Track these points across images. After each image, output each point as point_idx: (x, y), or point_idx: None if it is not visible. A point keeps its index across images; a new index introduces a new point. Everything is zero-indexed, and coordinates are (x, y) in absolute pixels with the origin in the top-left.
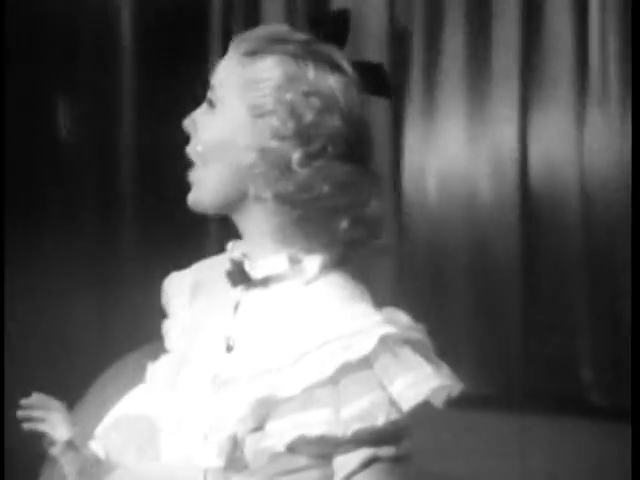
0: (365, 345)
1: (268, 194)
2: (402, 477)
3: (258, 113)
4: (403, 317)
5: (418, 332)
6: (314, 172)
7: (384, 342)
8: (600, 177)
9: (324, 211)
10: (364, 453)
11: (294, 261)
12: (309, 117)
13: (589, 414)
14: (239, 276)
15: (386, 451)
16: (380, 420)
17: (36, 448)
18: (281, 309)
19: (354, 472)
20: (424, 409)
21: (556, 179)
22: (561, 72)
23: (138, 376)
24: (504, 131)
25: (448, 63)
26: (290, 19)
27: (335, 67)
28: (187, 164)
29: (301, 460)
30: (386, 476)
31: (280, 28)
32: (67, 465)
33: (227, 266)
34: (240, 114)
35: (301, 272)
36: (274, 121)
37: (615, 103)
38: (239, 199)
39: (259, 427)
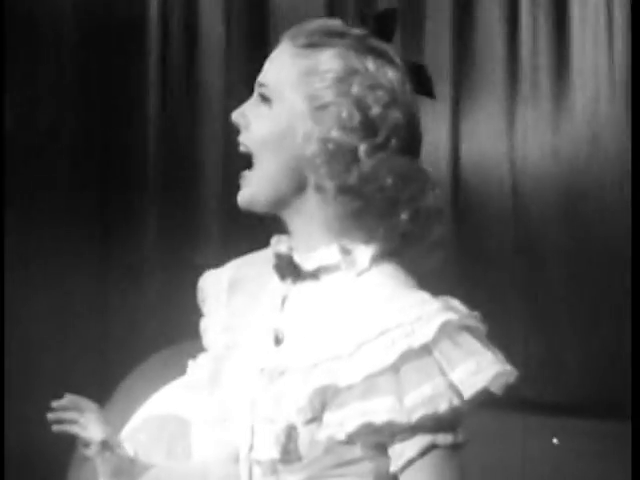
0: (426, 332)
1: (331, 185)
2: (457, 464)
3: (319, 104)
4: (458, 305)
5: (475, 319)
6: (379, 164)
7: (444, 329)
8: (531, 172)
9: (385, 203)
10: (423, 440)
11: (345, 252)
12: (376, 110)
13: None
14: (288, 269)
15: (444, 438)
16: (442, 407)
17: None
18: (334, 300)
19: (413, 459)
20: (483, 396)
21: (487, 175)
22: (492, 68)
23: (165, 376)
24: (436, 128)
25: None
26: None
27: (391, 62)
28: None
29: (356, 451)
30: (444, 463)
31: (335, 22)
32: (102, 465)
33: (271, 261)
34: (298, 105)
35: (353, 263)
36: (339, 112)
37: (545, 98)
38: (296, 191)
39: (316, 417)
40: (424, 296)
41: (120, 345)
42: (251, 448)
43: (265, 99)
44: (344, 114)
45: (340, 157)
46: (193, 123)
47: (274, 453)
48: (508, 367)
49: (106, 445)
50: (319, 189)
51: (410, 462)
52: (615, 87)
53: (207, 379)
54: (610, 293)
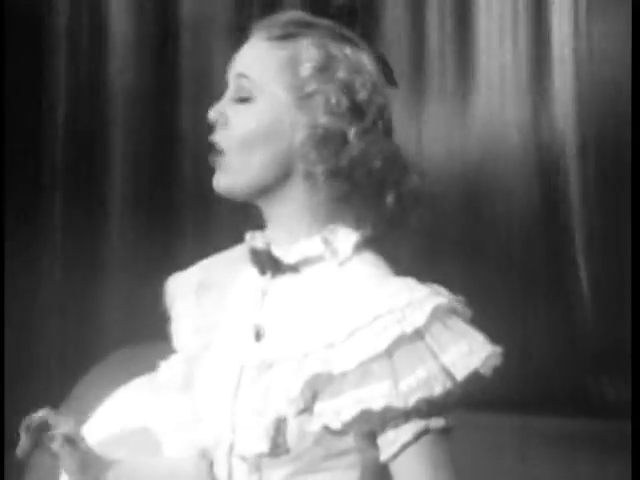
0: (418, 317)
1: (320, 169)
2: (449, 448)
3: (303, 93)
4: (443, 290)
5: (461, 303)
6: (368, 146)
7: (435, 313)
8: (437, 168)
9: (373, 186)
10: (416, 426)
11: (328, 243)
12: (363, 94)
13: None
14: (268, 263)
15: (436, 423)
16: (437, 390)
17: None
18: (319, 291)
19: (407, 444)
20: (476, 379)
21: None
22: (399, 63)
23: (124, 374)
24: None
25: None
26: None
27: (363, 49)
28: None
29: (345, 442)
30: (436, 447)
31: (302, 14)
32: (66, 460)
33: (241, 260)
34: (281, 95)
35: (335, 253)
36: (326, 99)
37: (451, 94)
38: (282, 180)
39: (307, 408)
40: (410, 282)
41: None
42: (232, 446)
43: (245, 94)
44: (332, 100)
45: (329, 142)
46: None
47: (263, 447)
48: (497, 349)
49: (70, 439)
50: (307, 176)
51: (404, 447)
52: (521, 85)
53: (179, 381)
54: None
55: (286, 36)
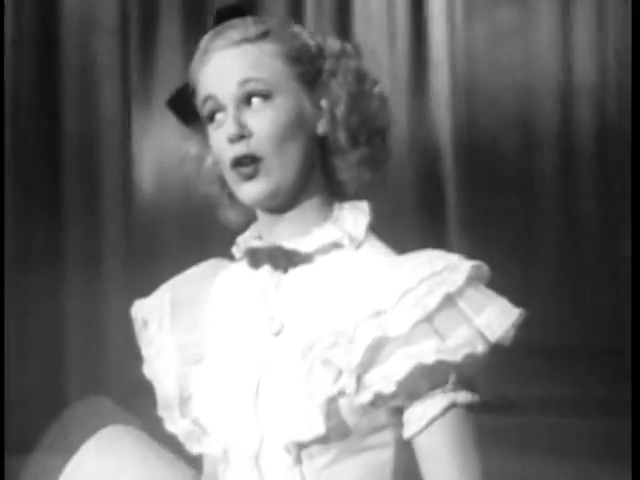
0: (457, 277)
1: (364, 132)
2: (474, 423)
3: (310, 77)
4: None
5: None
6: (382, 102)
7: (470, 274)
8: None
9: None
10: (445, 399)
11: (342, 229)
12: (357, 61)
13: None
14: (282, 257)
15: (464, 397)
16: (480, 347)
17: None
18: (339, 273)
19: (435, 418)
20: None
21: None
22: None
23: (78, 437)
24: None
25: (164, 56)
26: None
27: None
28: None
29: (381, 417)
30: (462, 422)
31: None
32: None
33: (207, 275)
34: (294, 85)
35: (352, 239)
36: (335, 76)
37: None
38: (310, 171)
39: (359, 381)
40: (435, 251)
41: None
42: (261, 444)
43: (262, 94)
44: (346, 74)
45: (362, 109)
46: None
47: (319, 429)
48: (522, 310)
49: None
50: (331, 150)
51: (431, 421)
52: (397, 81)
53: (174, 399)
54: None
55: (264, 33)
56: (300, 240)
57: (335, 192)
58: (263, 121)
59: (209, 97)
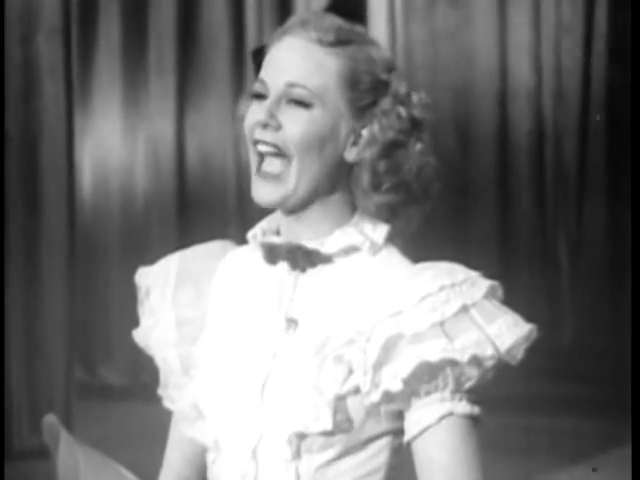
0: (475, 292)
1: (387, 182)
2: (473, 437)
3: (362, 104)
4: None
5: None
6: (425, 159)
7: (488, 290)
8: None
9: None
10: (443, 407)
11: (363, 233)
12: (419, 109)
13: None
14: (303, 257)
15: (462, 408)
16: (489, 352)
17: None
18: (358, 276)
19: (430, 425)
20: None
21: (212, 171)
22: (217, 63)
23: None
24: (161, 123)
25: (104, 56)
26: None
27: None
28: None
29: (388, 420)
30: (457, 432)
31: (337, 17)
32: None
33: (219, 255)
34: (340, 105)
35: (373, 244)
36: (384, 110)
37: None
38: (329, 191)
39: (373, 378)
40: (455, 264)
41: None
42: (261, 437)
43: (304, 102)
44: (393, 118)
45: (393, 158)
46: None
47: (326, 424)
48: (535, 327)
49: None
50: (363, 190)
51: (426, 429)
52: None
53: (177, 377)
54: None
55: (340, 42)
56: (321, 241)
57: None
58: (294, 123)
59: (260, 80)
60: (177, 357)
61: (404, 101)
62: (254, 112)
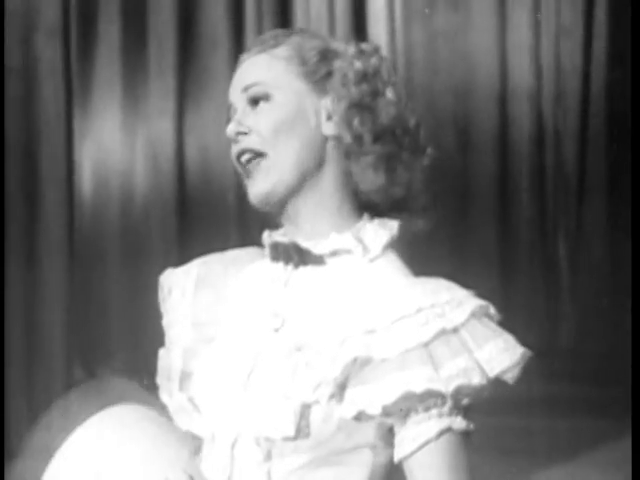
0: (459, 315)
1: (367, 133)
2: (467, 452)
3: (317, 77)
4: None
5: (493, 307)
6: (398, 105)
7: (474, 313)
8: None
9: (411, 147)
10: (440, 424)
11: (359, 239)
12: (374, 60)
13: None
14: (295, 254)
15: (460, 424)
16: (476, 380)
17: None
18: (347, 281)
19: (428, 441)
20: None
21: (212, 171)
22: (217, 64)
23: (84, 411)
24: (160, 124)
25: (103, 56)
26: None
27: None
28: None
29: (363, 435)
30: (455, 448)
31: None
32: None
33: (241, 261)
34: (297, 85)
35: (366, 250)
36: (343, 74)
37: None
38: (315, 169)
39: (336, 393)
40: (446, 282)
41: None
42: (238, 435)
43: (261, 95)
44: (350, 73)
45: (366, 107)
46: None
47: (289, 430)
48: (527, 350)
49: None
50: (344, 154)
51: (424, 445)
52: None
53: (178, 372)
54: None
55: (279, 43)
56: (316, 242)
57: (365, 206)
58: (260, 118)
59: (229, 104)
60: (184, 353)
61: (356, 56)
62: (228, 131)
